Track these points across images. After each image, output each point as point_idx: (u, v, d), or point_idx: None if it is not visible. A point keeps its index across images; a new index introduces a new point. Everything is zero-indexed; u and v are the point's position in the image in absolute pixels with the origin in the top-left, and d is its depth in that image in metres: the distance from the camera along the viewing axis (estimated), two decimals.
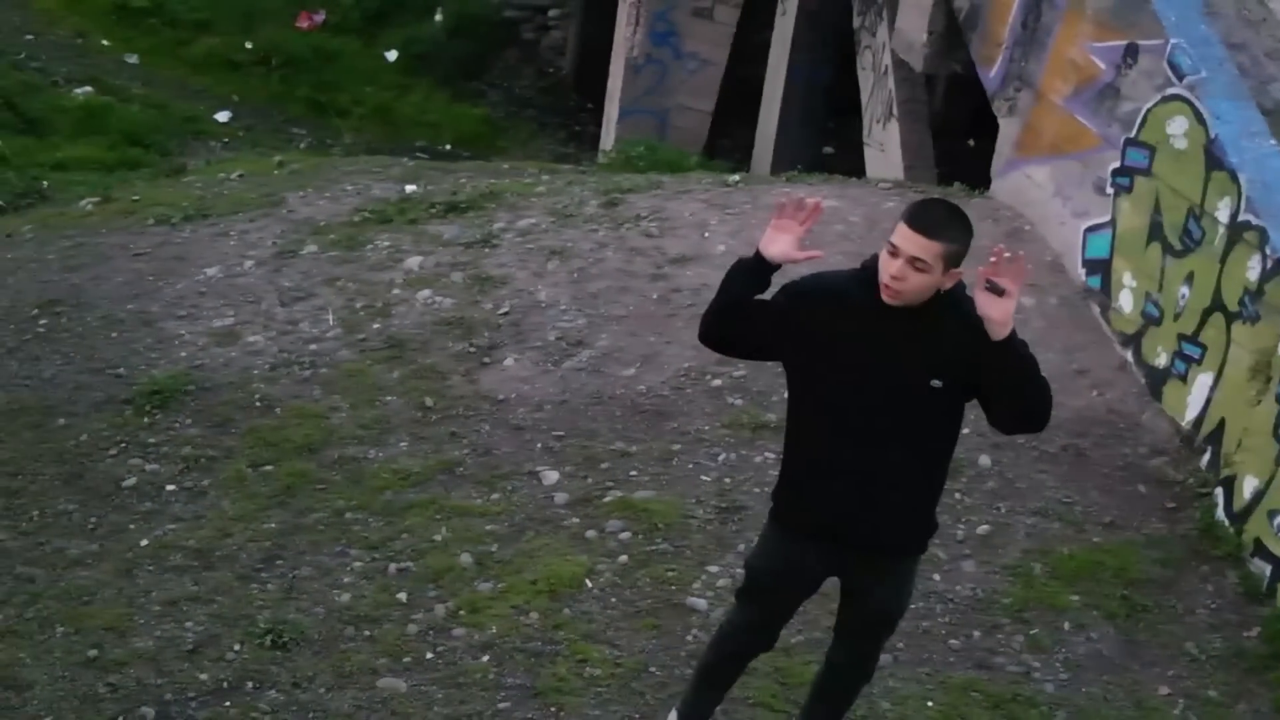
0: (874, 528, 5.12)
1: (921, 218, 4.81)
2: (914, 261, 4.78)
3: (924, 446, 5.09)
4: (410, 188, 11.80)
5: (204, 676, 6.32)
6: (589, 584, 7.07)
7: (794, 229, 5.02)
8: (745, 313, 5.09)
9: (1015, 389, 4.90)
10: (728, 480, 7.94)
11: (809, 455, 5.15)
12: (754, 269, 5.05)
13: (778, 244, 5.01)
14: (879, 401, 4.95)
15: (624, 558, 7.27)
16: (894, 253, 4.81)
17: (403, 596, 6.92)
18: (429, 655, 6.54)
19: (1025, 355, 4.88)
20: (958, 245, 4.83)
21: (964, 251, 4.86)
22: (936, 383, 4.92)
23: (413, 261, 10.13)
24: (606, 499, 7.73)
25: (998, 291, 4.75)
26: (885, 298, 4.87)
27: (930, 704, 6.53)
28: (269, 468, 7.89)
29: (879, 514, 5.09)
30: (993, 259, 4.75)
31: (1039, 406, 4.95)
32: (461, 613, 6.81)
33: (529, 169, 13.98)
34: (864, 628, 5.51)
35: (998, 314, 4.76)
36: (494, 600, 6.89)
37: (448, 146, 20.67)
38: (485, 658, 6.53)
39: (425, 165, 14.12)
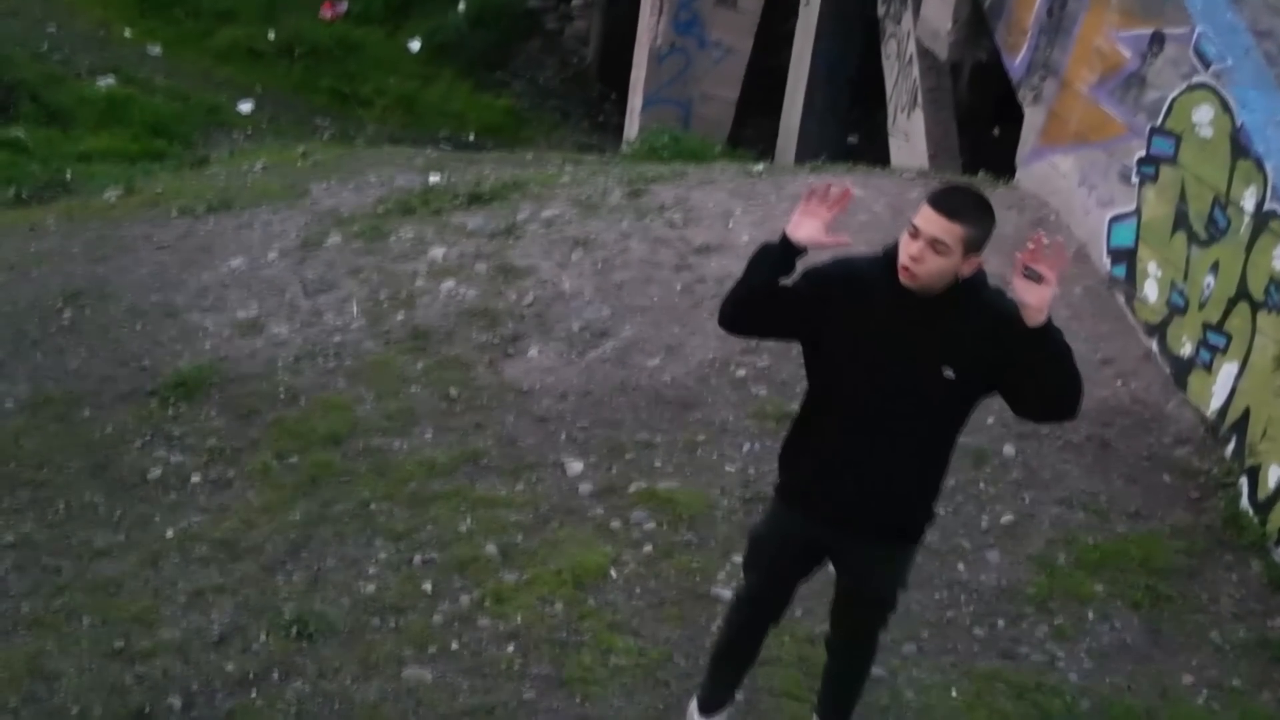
0: (881, 513, 5.14)
1: (945, 200, 4.80)
2: (934, 243, 4.76)
3: (934, 436, 5.10)
4: (434, 178, 11.80)
5: (230, 667, 6.35)
6: (614, 574, 7.08)
7: (822, 214, 5.00)
8: (769, 297, 5.08)
9: (1048, 376, 4.88)
10: (752, 470, 7.93)
11: (822, 438, 5.15)
12: (780, 253, 5.03)
13: (805, 228, 4.99)
14: (892, 387, 4.95)
15: (648, 548, 7.28)
16: (914, 234, 4.79)
17: (428, 587, 6.93)
18: (454, 645, 6.55)
19: (1061, 343, 4.87)
20: (979, 230, 4.81)
21: (985, 238, 4.85)
22: (949, 372, 4.91)
23: (437, 252, 10.14)
24: (631, 489, 7.74)
25: (1036, 278, 4.73)
26: (903, 279, 4.84)
27: (954, 693, 6.53)
28: (294, 459, 7.91)
29: (888, 500, 5.10)
30: (1031, 245, 4.73)
31: (1071, 395, 4.92)
32: (487, 603, 6.82)
33: (553, 159, 13.99)
34: (860, 613, 5.53)
35: (1035, 300, 4.74)
36: (519, 590, 6.91)
37: (471, 137, 20.68)
38: (510, 647, 6.54)
39: (449, 156, 14.13)
